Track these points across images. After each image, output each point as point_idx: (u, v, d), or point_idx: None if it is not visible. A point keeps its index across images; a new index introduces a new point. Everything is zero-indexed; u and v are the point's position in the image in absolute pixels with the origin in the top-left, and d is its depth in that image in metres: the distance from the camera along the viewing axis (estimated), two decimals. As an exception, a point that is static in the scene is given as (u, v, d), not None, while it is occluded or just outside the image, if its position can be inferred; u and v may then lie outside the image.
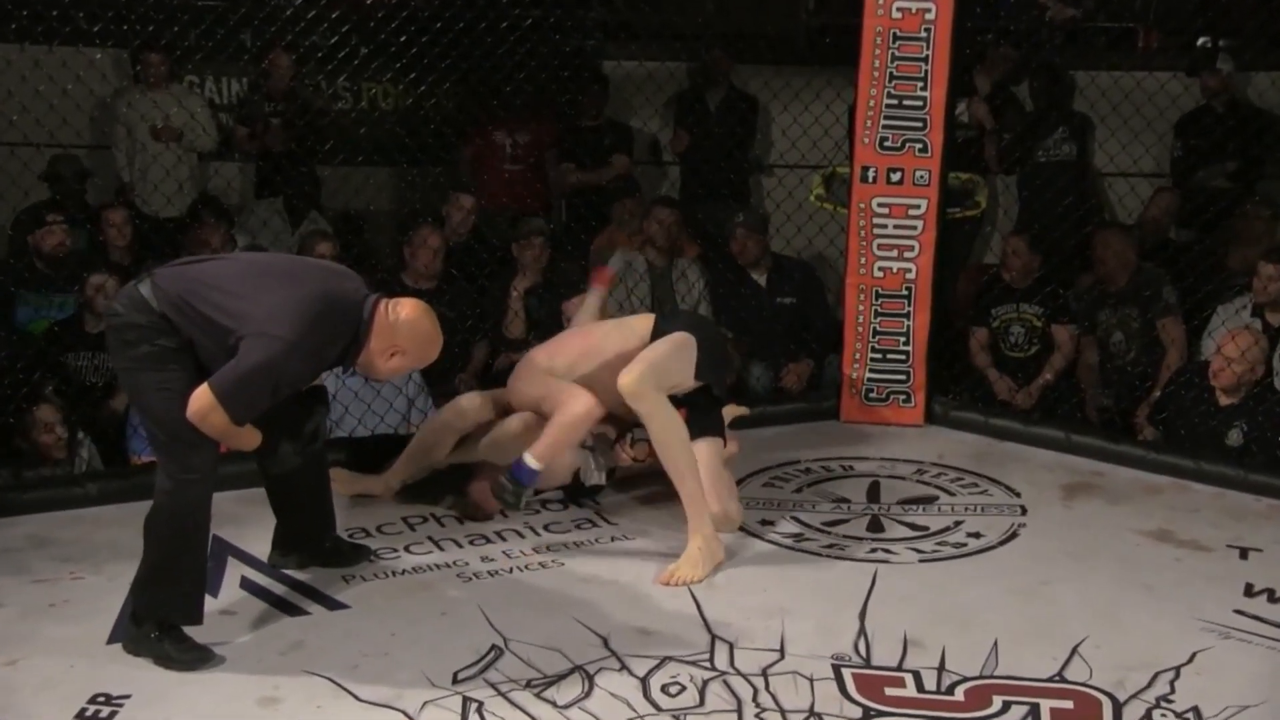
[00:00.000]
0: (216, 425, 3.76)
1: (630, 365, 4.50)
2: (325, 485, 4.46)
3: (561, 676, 3.78)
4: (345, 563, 4.50)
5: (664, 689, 3.72)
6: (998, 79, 7.63)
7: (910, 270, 6.02)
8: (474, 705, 3.63)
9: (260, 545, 4.57)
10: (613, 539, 4.80)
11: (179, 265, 3.98)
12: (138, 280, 3.90)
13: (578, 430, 4.68)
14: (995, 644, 3.97)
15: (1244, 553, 4.72)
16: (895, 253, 6.03)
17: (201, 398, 3.72)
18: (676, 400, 4.63)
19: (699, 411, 4.76)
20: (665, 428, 4.49)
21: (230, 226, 6.98)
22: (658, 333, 4.72)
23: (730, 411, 5.24)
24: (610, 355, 4.70)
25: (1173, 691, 3.74)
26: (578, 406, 4.57)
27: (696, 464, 4.55)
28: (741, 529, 4.85)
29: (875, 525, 4.97)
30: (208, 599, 4.22)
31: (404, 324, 3.91)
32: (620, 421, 4.94)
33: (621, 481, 5.12)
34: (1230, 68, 7.16)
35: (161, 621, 3.88)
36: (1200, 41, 7.67)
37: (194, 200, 7.27)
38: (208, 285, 3.83)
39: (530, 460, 4.53)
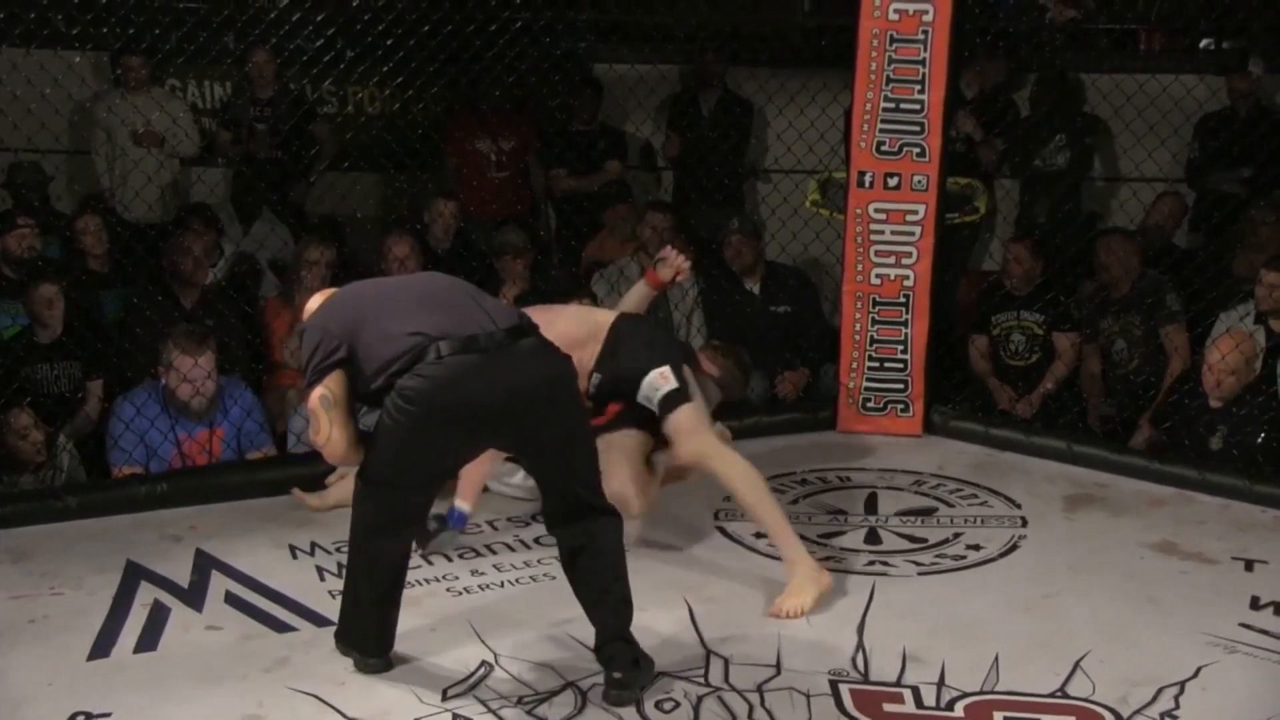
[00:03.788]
0: None
1: (678, 440, 4.43)
2: None
3: (554, 693, 3.73)
4: None
5: (658, 705, 3.67)
6: (990, 85, 7.55)
7: (908, 277, 5.95)
8: (463, 723, 3.59)
9: (246, 559, 4.56)
10: (606, 551, 4.71)
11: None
12: (545, 359, 3.76)
13: (483, 466, 4.59)
14: (996, 659, 3.92)
15: (1249, 565, 4.67)
16: (893, 259, 5.96)
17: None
18: (607, 397, 4.58)
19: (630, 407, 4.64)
20: (735, 477, 4.38)
21: (220, 235, 6.91)
22: (616, 329, 4.60)
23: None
24: (554, 337, 4.63)
25: (1177, 707, 3.69)
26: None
27: (774, 500, 4.43)
28: (736, 541, 4.81)
29: (873, 537, 4.92)
30: (192, 614, 4.17)
31: None
32: None
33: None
34: (1260, 70, 7.11)
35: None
36: (1204, 44, 7.62)
37: (183, 207, 7.19)
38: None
39: (460, 504, 4.58)
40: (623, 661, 3.70)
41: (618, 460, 4.54)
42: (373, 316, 3.70)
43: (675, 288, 6.78)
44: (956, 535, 4.93)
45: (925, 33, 5.75)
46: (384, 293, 3.84)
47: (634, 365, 4.48)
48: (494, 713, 3.62)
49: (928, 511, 5.17)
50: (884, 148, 5.88)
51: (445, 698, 3.70)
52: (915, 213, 5.91)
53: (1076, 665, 3.88)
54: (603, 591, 3.75)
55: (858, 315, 6.06)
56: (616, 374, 4.50)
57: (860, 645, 4.01)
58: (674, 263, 4.97)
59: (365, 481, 3.73)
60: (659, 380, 4.44)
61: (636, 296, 5.08)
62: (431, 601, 4.31)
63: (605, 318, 4.70)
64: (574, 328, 4.60)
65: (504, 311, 3.78)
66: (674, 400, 4.42)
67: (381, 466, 3.67)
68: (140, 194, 6.83)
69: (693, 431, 4.43)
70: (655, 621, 4.14)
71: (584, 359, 4.51)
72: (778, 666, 3.88)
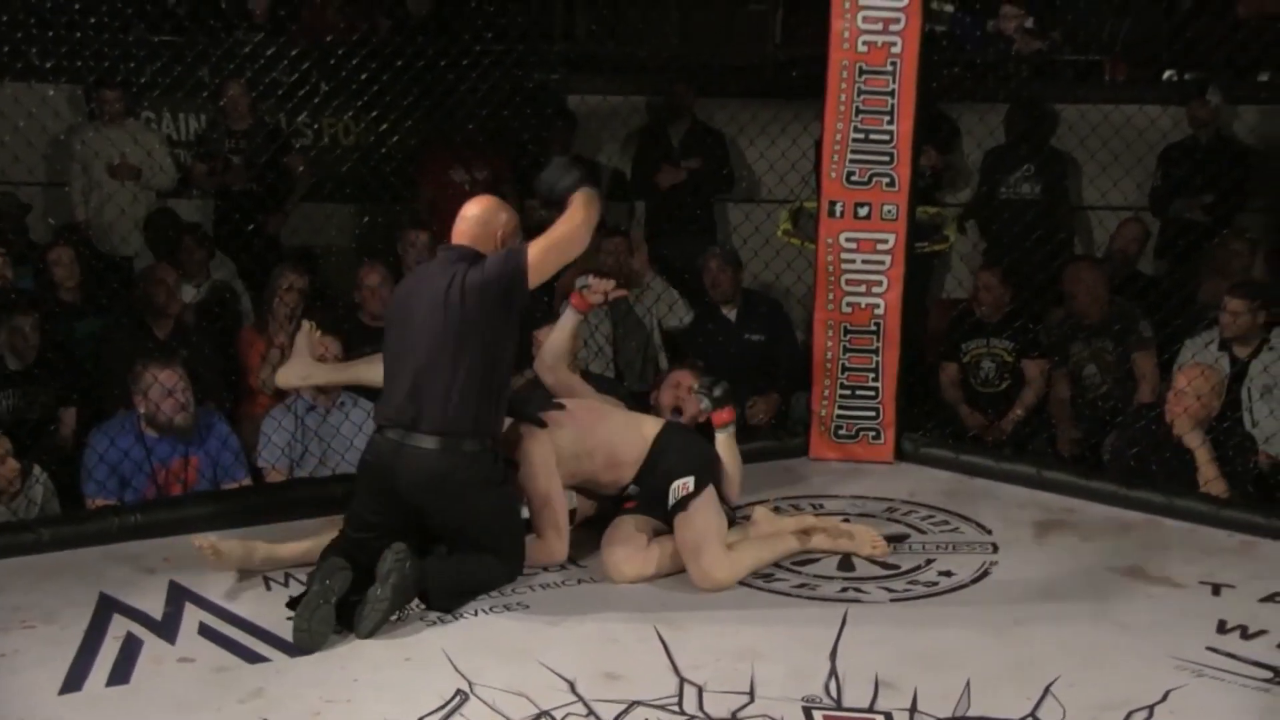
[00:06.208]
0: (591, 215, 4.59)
1: (694, 563, 4.63)
2: None
3: (527, 722, 3.72)
4: None
5: (632, 734, 3.67)
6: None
7: (879, 305, 5.98)
8: (438, 753, 3.58)
9: (218, 590, 4.51)
10: (579, 581, 4.73)
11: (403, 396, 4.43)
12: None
13: None
14: (968, 684, 3.94)
15: (1216, 589, 4.70)
16: (864, 288, 5.99)
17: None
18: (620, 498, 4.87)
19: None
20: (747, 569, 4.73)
21: (210, 256, 6.93)
22: (662, 438, 4.81)
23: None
24: (604, 449, 4.82)
25: (1147, 730, 3.71)
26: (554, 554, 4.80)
27: (780, 551, 4.82)
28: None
29: (846, 564, 4.93)
30: (165, 646, 4.15)
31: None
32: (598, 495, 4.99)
33: (586, 523, 5.03)
34: (1219, 99, 7.19)
35: None
36: (1166, 75, 7.70)
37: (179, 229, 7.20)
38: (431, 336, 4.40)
39: None
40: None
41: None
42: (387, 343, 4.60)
43: (648, 315, 6.83)
44: (929, 561, 4.95)
45: (894, 64, 5.80)
46: (395, 328, 4.54)
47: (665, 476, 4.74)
48: (468, 742, 3.62)
49: (900, 538, 5.17)
50: (854, 178, 5.91)
51: (420, 727, 3.69)
52: (885, 242, 5.95)
53: (1047, 690, 3.90)
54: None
55: (829, 343, 6.08)
56: (653, 486, 4.76)
57: (833, 671, 4.02)
58: (599, 286, 5.05)
59: None
60: (679, 489, 4.69)
61: (566, 326, 5.12)
62: (406, 630, 4.29)
63: (651, 429, 4.85)
64: (618, 436, 4.84)
65: (453, 401, 4.33)
66: (683, 505, 4.66)
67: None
68: (115, 226, 6.84)
69: (704, 552, 4.63)
70: (628, 650, 4.16)
71: (625, 470, 4.81)
72: (751, 694, 3.88)
